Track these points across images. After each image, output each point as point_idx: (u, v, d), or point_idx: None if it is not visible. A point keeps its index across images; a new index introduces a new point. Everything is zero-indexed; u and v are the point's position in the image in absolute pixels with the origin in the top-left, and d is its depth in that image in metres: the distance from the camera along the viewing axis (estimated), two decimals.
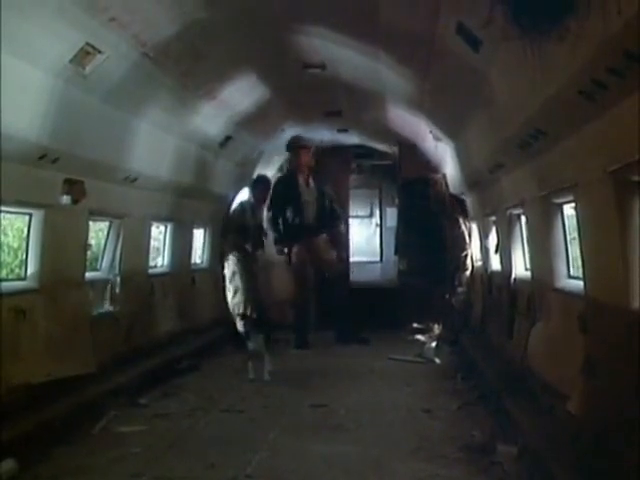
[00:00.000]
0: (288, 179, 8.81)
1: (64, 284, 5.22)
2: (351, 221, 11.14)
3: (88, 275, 5.74)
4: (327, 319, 9.03)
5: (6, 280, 5.18)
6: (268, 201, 8.64)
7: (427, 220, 9.13)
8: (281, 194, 8.60)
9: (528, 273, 5.70)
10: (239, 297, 7.89)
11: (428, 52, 5.05)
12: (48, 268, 5.00)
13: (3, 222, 5.87)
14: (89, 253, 5.88)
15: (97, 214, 5.79)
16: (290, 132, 8.95)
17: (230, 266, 8.00)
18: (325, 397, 5.72)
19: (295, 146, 8.71)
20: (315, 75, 6.60)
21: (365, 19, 4.98)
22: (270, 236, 8.64)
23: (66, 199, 5.07)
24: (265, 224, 8.62)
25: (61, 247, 5.16)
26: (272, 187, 8.62)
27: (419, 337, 8.74)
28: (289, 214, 8.55)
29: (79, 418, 4.72)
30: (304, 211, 8.54)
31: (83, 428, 4.68)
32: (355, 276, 10.89)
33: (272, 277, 9.85)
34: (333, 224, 9.00)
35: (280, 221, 8.58)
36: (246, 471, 3.98)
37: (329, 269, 8.76)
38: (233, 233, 8.24)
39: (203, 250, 9.02)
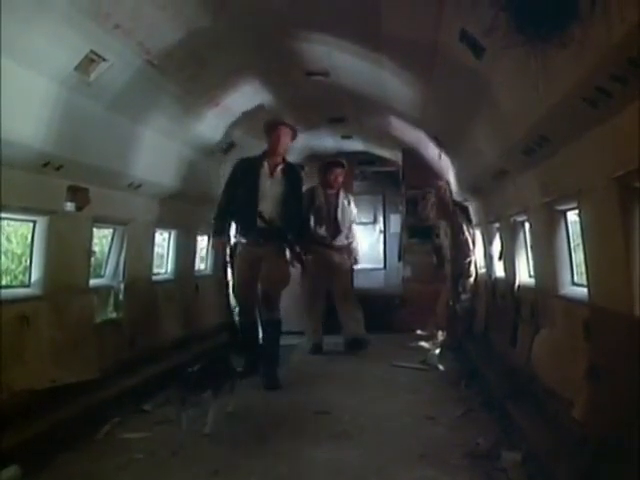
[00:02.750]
0: (251, 161, 6.85)
1: (68, 291, 5.22)
2: (355, 227, 11.14)
3: (92, 282, 5.75)
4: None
5: (10, 287, 5.19)
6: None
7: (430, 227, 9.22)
8: (236, 175, 6.84)
9: (532, 280, 5.69)
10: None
11: (431, 59, 5.06)
12: (52, 275, 5.00)
13: (7, 229, 5.89)
14: (93, 260, 5.89)
15: (101, 221, 5.80)
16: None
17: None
18: (329, 404, 5.72)
19: (271, 124, 6.83)
20: (318, 82, 6.62)
21: (368, 26, 4.99)
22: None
23: (70, 206, 5.08)
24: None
25: (65, 254, 5.16)
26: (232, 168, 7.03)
27: (423, 344, 8.74)
28: (240, 203, 6.72)
29: (83, 424, 4.72)
30: (259, 203, 6.64)
31: (87, 434, 4.68)
32: (359, 283, 10.88)
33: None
34: (297, 233, 7.06)
35: (225, 210, 6.86)
36: (250, 478, 3.98)
37: (269, 295, 6.75)
38: None
39: (207, 256, 9.02)
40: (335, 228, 8.66)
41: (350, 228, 8.88)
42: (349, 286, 8.89)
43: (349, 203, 8.89)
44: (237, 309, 7.29)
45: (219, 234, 6.95)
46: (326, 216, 8.62)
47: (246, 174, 6.73)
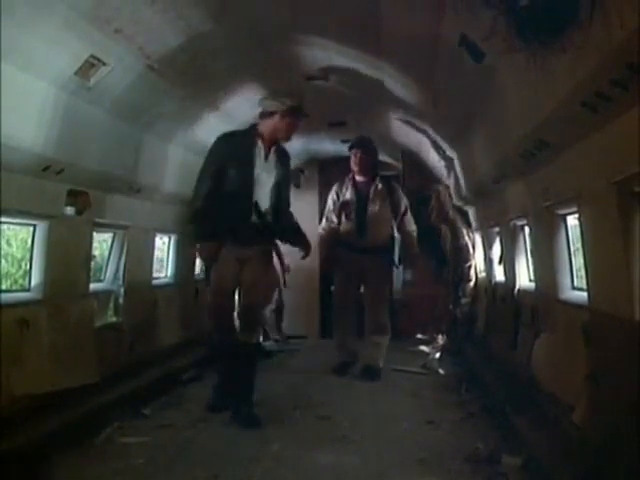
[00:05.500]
0: (241, 137, 5.37)
1: (68, 295, 5.22)
2: (408, 219, 10.92)
3: (92, 286, 5.75)
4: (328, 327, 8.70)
5: (10, 291, 5.19)
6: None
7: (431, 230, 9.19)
8: (222, 153, 5.27)
9: (532, 284, 5.70)
10: None
11: (431, 63, 5.07)
12: (52, 279, 5.00)
13: (7, 233, 5.89)
14: (93, 264, 5.88)
15: (101, 225, 5.80)
16: (294, 140, 8.92)
17: None
18: (329, 408, 5.71)
19: (296, 111, 5.32)
20: (318, 86, 6.63)
21: (368, 30, 5.00)
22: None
23: (70, 210, 5.09)
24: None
25: (65, 258, 5.17)
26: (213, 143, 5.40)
27: (423, 348, 8.73)
28: (230, 190, 5.18)
29: (82, 429, 4.71)
30: (253, 193, 5.22)
31: (87, 439, 4.67)
32: None
33: None
34: (287, 229, 5.61)
35: (206, 195, 5.18)
36: None
37: (252, 306, 5.40)
38: None
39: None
40: (362, 225, 7.12)
41: (403, 220, 7.26)
42: (379, 300, 7.31)
43: (390, 191, 7.23)
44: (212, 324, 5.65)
45: (207, 236, 5.29)
46: (355, 211, 7.16)
47: (236, 153, 5.26)
